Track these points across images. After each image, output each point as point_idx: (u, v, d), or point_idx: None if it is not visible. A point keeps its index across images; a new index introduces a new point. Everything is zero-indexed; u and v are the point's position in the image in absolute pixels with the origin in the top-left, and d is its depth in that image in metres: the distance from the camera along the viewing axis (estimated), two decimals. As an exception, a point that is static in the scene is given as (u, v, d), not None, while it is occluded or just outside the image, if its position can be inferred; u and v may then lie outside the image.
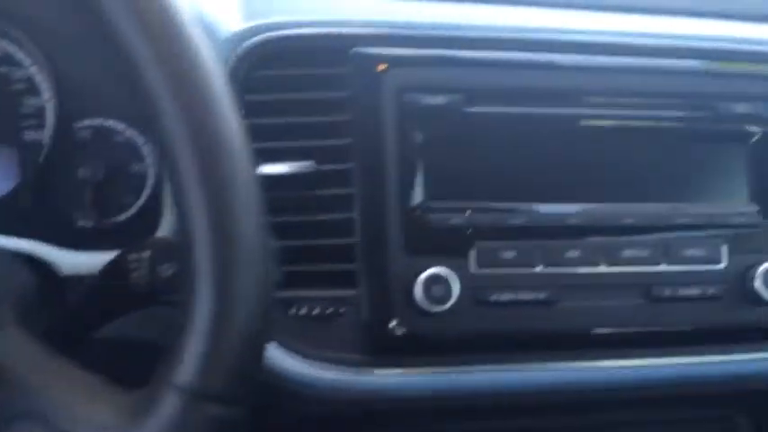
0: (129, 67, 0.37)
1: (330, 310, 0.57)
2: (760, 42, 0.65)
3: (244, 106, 0.56)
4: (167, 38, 0.37)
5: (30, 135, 0.60)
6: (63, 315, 0.54)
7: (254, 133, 0.56)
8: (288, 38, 0.57)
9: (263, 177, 0.56)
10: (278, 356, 0.56)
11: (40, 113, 0.60)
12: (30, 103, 0.60)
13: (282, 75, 0.57)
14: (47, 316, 0.52)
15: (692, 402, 0.70)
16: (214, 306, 0.36)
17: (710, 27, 0.65)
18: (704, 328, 0.62)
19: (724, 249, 0.62)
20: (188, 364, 0.36)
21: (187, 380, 0.36)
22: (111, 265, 0.53)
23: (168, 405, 0.36)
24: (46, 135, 0.59)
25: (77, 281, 0.56)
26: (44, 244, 0.57)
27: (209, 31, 0.56)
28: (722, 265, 0.62)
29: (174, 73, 0.37)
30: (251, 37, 0.56)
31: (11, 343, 0.41)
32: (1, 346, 0.40)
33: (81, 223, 0.58)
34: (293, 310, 0.57)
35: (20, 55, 0.58)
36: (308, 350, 0.57)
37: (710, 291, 0.61)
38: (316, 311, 0.57)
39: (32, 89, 0.59)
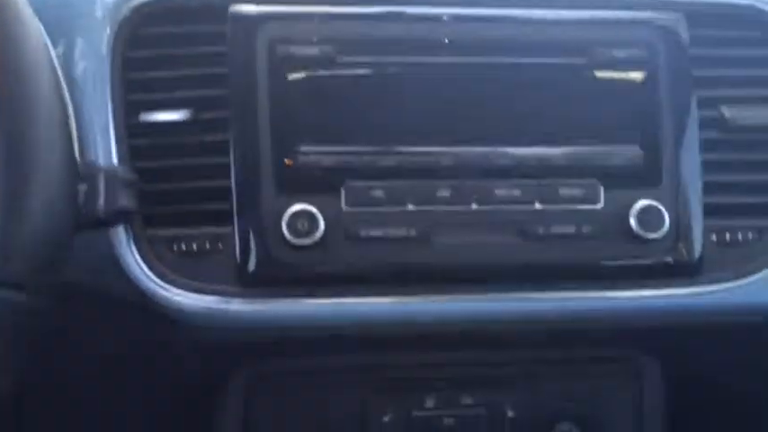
0: None
1: (208, 247, 0.61)
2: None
3: (127, 62, 0.62)
4: None
5: None
6: None
7: (138, 86, 0.62)
8: None
9: (147, 125, 0.62)
10: (156, 288, 0.60)
11: None
12: None
13: (164, 32, 0.62)
14: None
15: (584, 341, 0.71)
16: (3, 195, 0.39)
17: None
18: (581, 265, 0.63)
19: (601, 189, 0.63)
20: None
21: None
22: None
23: None
24: None
25: None
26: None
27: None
28: (599, 206, 0.62)
29: None
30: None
31: None
32: None
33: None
34: (174, 247, 0.61)
35: None
36: (187, 283, 0.61)
37: (586, 229, 0.62)
38: (194, 247, 0.61)
39: None
